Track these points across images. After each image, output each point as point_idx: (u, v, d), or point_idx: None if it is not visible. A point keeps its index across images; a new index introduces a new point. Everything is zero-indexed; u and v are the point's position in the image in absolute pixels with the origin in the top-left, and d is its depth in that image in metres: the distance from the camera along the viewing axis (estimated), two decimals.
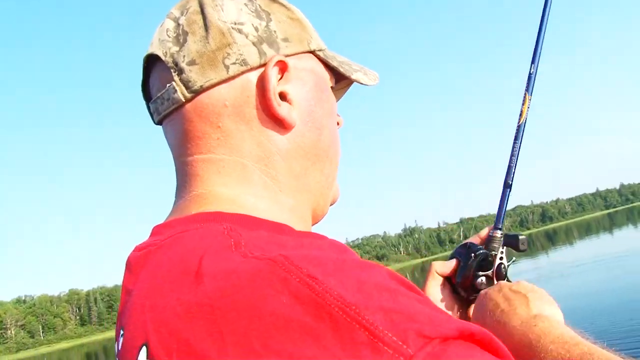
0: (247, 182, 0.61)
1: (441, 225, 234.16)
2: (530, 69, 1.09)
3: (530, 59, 1.09)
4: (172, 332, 0.46)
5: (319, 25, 0.66)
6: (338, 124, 0.72)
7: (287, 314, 0.41)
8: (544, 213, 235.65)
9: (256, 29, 0.61)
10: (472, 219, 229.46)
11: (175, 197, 0.65)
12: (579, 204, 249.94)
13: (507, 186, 1.05)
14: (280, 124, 0.61)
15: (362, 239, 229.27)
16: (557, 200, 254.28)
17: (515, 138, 1.06)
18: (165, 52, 0.60)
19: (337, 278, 0.43)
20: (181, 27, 0.61)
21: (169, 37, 0.61)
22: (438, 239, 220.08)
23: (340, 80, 0.71)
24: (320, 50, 0.67)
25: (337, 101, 0.73)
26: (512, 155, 1.05)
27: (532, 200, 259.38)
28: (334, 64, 0.68)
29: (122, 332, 0.55)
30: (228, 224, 0.54)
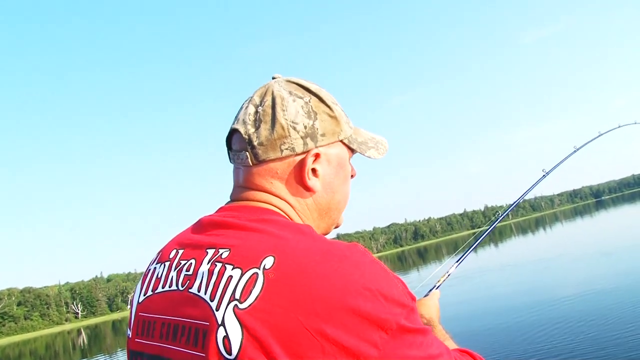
0: (291, 211, 0.96)
1: None
2: (462, 255, 1.71)
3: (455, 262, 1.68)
4: (297, 254, 0.76)
5: None
6: (353, 176, 1.08)
7: (371, 265, 0.78)
8: (417, 231, 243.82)
9: (305, 127, 0.93)
10: (348, 234, 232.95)
11: (232, 199, 0.99)
12: (449, 223, 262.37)
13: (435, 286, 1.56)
14: (307, 189, 0.96)
15: None
16: (428, 219, 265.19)
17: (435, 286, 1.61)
18: (245, 132, 0.93)
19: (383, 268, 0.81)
20: (258, 114, 0.93)
21: (249, 120, 0.94)
22: None
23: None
24: (345, 138, 1.01)
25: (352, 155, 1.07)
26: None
27: (405, 219, 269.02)
28: (354, 146, 1.03)
29: (222, 249, 0.82)
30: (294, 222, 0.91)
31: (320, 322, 0.70)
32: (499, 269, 22.42)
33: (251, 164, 0.94)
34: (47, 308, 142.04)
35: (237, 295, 0.74)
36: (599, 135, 2.57)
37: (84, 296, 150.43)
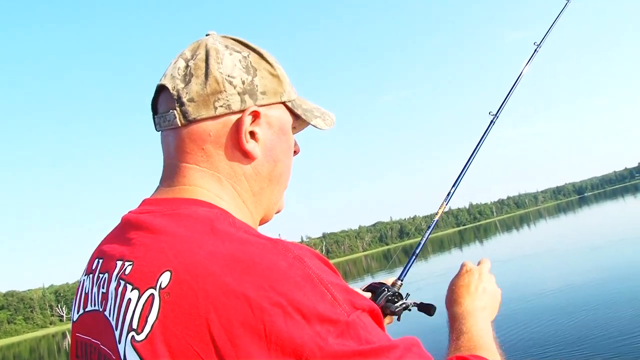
0: (222, 190, 0.83)
1: (304, 239, 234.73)
2: (451, 189, 1.55)
3: (453, 183, 1.55)
4: (197, 265, 0.65)
5: None
6: (296, 152, 0.96)
7: (287, 272, 0.64)
8: (402, 229, 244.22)
9: (243, 82, 0.82)
10: (334, 233, 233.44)
11: (161, 184, 0.86)
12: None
13: (414, 254, 1.39)
14: (246, 155, 0.84)
15: None
16: (414, 218, 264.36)
17: (428, 227, 1.48)
18: (174, 87, 0.82)
19: (311, 262, 0.67)
20: (189, 68, 0.82)
21: (179, 75, 0.82)
22: None
23: (303, 121, 0.94)
24: (289, 101, 0.89)
25: (300, 131, 0.96)
26: (426, 231, 1.48)
27: (391, 217, 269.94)
28: (298, 112, 0.91)
29: (127, 263, 0.73)
30: (218, 210, 0.77)
31: (220, 353, 0.60)
32: None
33: (180, 125, 0.82)
34: (31, 311, 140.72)
35: (135, 325, 0.66)
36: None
37: (68, 299, 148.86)
